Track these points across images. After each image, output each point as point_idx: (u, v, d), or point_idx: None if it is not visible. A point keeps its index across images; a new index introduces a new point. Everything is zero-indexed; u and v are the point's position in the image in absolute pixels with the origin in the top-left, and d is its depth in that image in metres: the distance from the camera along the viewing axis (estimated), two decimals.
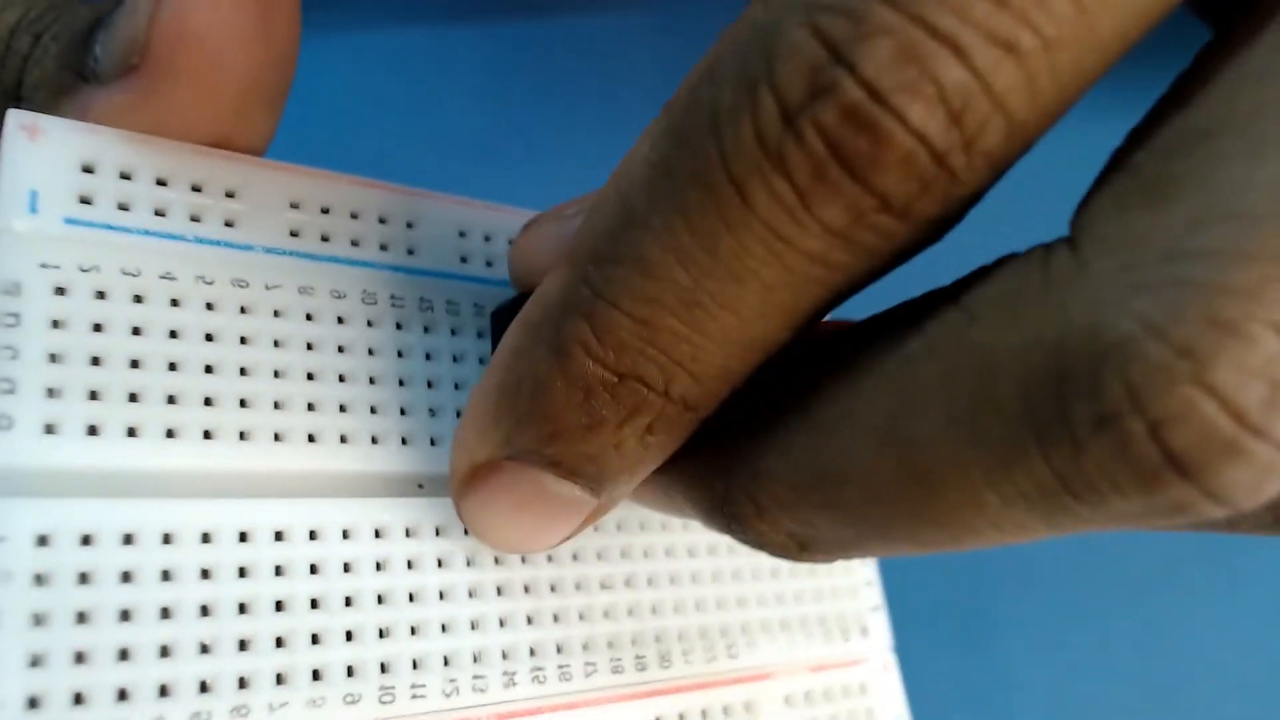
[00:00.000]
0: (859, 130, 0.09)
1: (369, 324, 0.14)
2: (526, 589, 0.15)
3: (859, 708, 0.17)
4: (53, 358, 0.12)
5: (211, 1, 0.12)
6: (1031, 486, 0.10)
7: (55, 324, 0.12)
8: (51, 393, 0.12)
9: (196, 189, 0.14)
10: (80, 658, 0.11)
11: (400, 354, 0.15)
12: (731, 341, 0.11)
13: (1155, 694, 0.34)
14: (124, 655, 0.12)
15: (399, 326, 0.15)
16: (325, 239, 0.14)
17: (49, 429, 0.12)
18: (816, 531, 0.12)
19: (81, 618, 0.12)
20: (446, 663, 0.14)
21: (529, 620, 0.15)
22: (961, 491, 0.10)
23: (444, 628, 0.14)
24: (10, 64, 0.14)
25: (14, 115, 0.12)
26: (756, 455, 0.12)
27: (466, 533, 0.14)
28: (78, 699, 0.11)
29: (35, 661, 0.11)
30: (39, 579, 0.11)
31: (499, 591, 0.14)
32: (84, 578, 0.12)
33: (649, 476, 0.14)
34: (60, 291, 0.12)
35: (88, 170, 0.13)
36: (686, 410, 0.12)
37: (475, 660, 0.14)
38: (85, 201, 0.13)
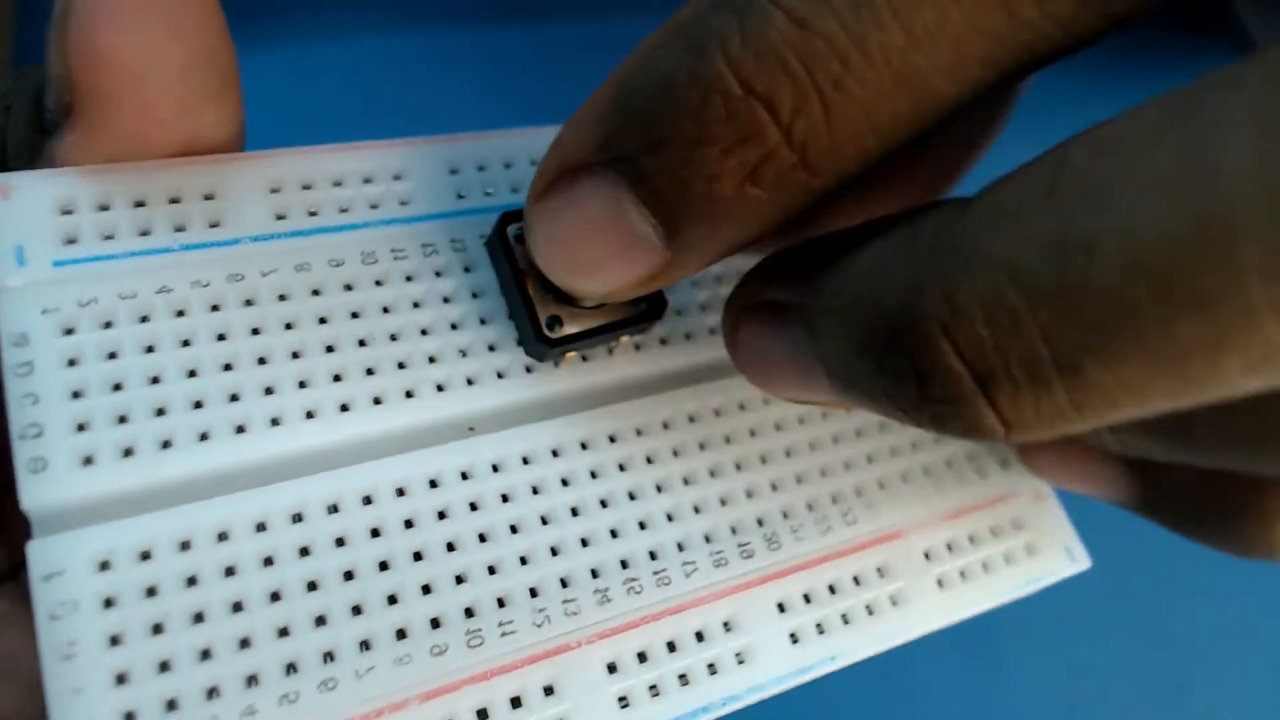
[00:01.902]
0: None
1: (377, 283, 0.14)
2: (604, 503, 0.14)
3: (1016, 547, 0.16)
4: (74, 394, 0.13)
5: (111, 16, 0.12)
6: None
7: (70, 362, 0.13)
8: (81, 426, 0.13)
9: (175, 200, 0.14)
10: (164, 666, 0.12)
11: (416, 304, 0.14)
12: (888, 69, 0.10)
13: (1157, 697, 0.32)
14: (206, 655, 0.12)
15: (409, 278, 0.15)
16: (313, 213, 0.14)
17: (86, 460, 0.12)
18: (1021, 343, 0.10)
19: (157, 629, 0.12)
20: (534, 594, 0.14)
21: (613, 534, 0.14)
22: (1260, 231, 0.08)
23: (523, 560, 0.14)
24: None
25: None
26: (960, 235, 0.10)
27: (525, 463, 0.14)
28: (170, 705, 0.12)
29: (121, 679, 0.12)
30: (108, 602, 0.12)
31: (574, 513, 0.14)
32: (150, 591, 0.12)
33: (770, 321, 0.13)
34: (68, 331, 0.13)
35: (66, 212, 0.13)
36: (801, 166, 0.11)
37: (564, 585, 0.14)
38: (71, 241, 0.13)
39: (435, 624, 0.13)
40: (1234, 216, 0.08)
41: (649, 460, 0.15)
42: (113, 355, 0.13)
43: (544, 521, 0.14)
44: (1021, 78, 0.10)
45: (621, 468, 0.15)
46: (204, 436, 0.13)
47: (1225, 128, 0.09)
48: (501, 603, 0.13)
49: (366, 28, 0.29)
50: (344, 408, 0.14)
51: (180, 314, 0.13)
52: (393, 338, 0.14)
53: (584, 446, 0.15)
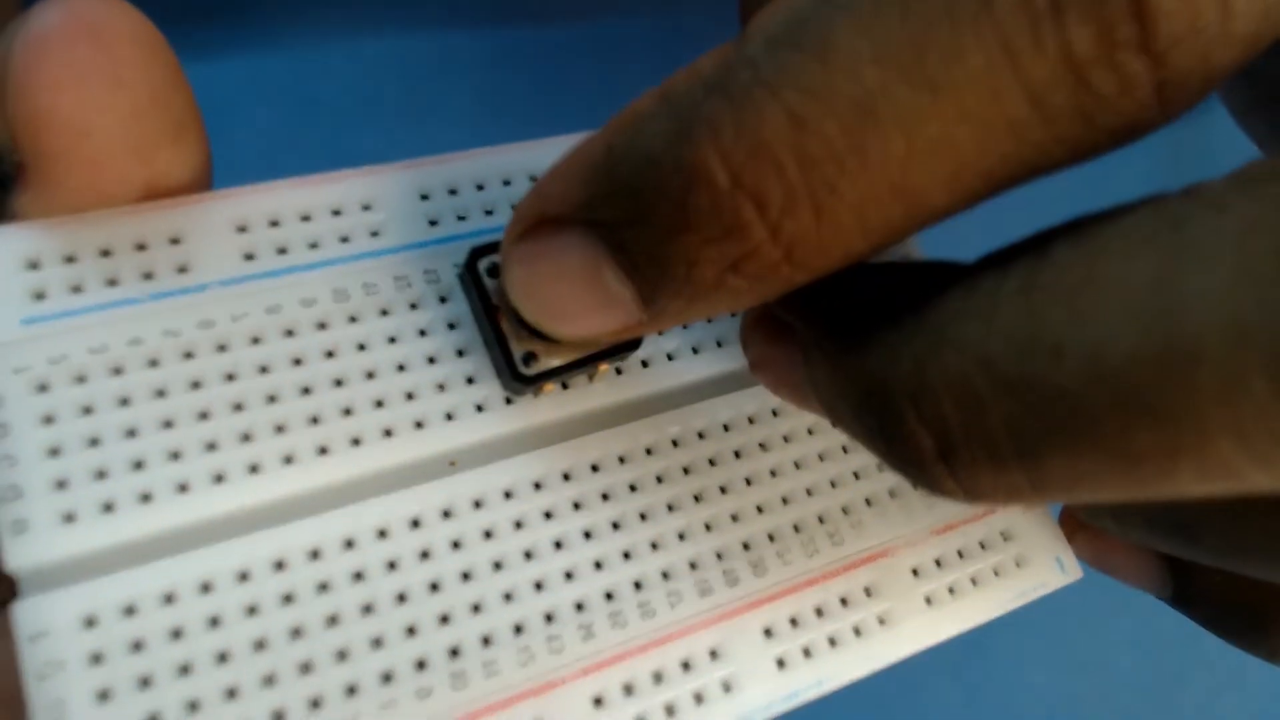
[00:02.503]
0: None
1: (351, 320, 0.14)
2: (587, 535, 0.14)
3: (1005, 560, 0.16)
4: (52, 452, 0.13)
5: (47, 77, 0.12)
6: None
7: (46, 420, 0.13)
8: (60, 485, 0.13)
9: (141, 247, 0.14)
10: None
11: (392, 340, 0.14)
12: (885, 177, 0.10)
13: (1156, 695, 0.32)
14: (194, 707, 0.12)
15: (384, 313, 0.15)
16: (282, 251, 0.14)
17: (67, 518, 0.13)
18: (983, 426, 0.10)
19: (144, 683, 0.12)
20: (519, 631, 0.14)
21: (597, 566, 0.14)
22: (1223, 365, 0.08)
23: (508, 597, 0.14)
24: None
25: None
26: (933, 322, 0.11)
27: (507, 497, 0.14)
28: None
29: None
30: (95, 658, 0.12)
31: (558, 546, 0.14)
32: (136, 645, 0.12)
33: (767, 337, 0.13)
34: (41, 389, 0.13)
35: (33, 266, 0.13)
36: (785, 263, 0.11)
37: (548, 621, 0.14)
38: (39, 296, 0.13)
39: (420, 666, 0.13)
40: (1198, 347, 0.09)
41: (633, 488, 0.15)
42: (88, 410, 0.13)
43: (527, 557, 0.14)
44: (1018, 185, 0.10)
45: (605, 497, 0.15)
46: (183, 488, 0.13)
47: (1201, 257, 0.09)
48: (486, 641, 0.14)
49: (366, 29, 0.28)
50: (322, 450, 0.14)
51: (153, 364, 0.13)
52: (369, 375, 0.14)
53: (566, 478, 0.15)
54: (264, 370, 0.14)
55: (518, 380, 0.14)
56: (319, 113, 0.26)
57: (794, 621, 0.15)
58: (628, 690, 0.14)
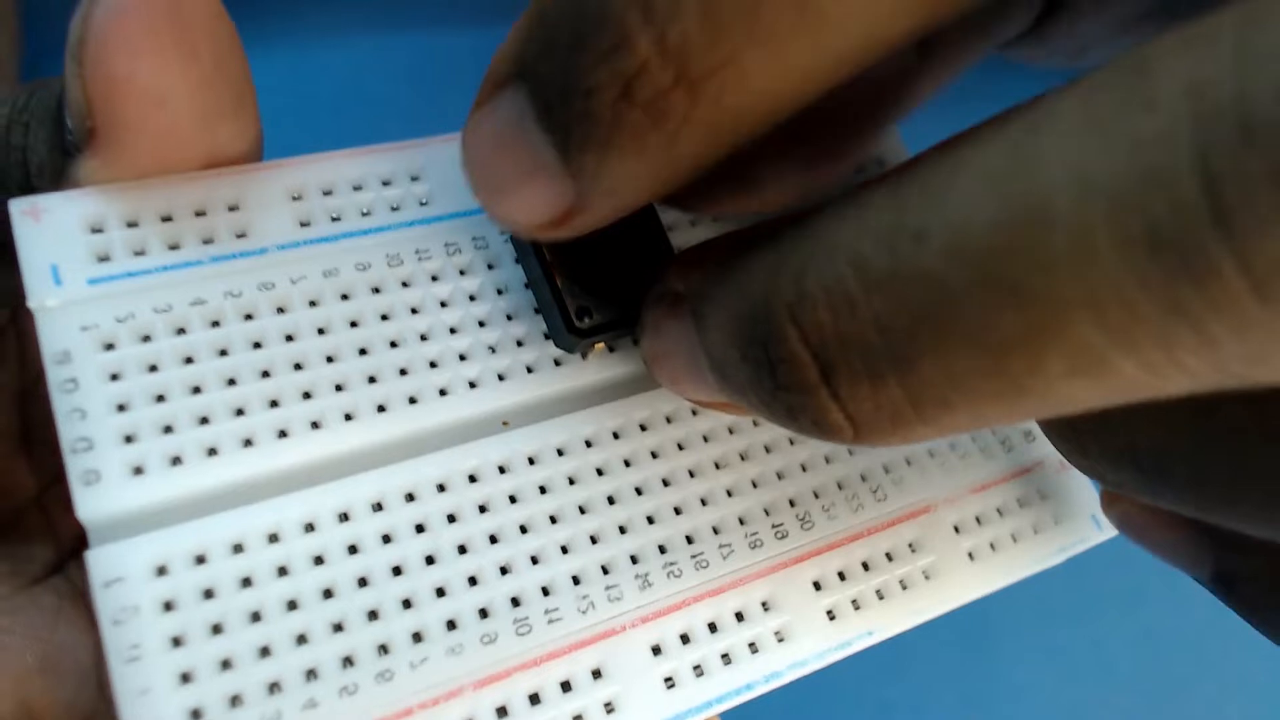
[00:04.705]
0: None
1: (404, 285, 0.16)
2: (639, 491, 0.15)
3: (1044, 517, 0.17)
4: (120, 407, 0.14)
5: (127, 45, 0.13)
6: (1169, 228, 0.08)
7: (113, 377, 0.14)
8: (128, 438, 0.14)
9: (200, 213, 0.15)
10: (226, 664, 0.13)
11: (443, 304, 0.16)
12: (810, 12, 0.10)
13: (1154, 696, 0.33)
14: (265, 652, 0.13)
15: (435, 278, 0.16)
16: (336, 219, 0.16)
17: (136, 470, 0.14)
18: (857, 329, 0.10)
19: (216, 629, 0.13)
20: (576, 581, 0.15)
21: (650, 520, 0.15)
22: (1072, 224, 0.09)
23: (564, 549, 0.15)
24: (14, 159, 0.16)
25: (14, 204, 0.14)
26: (814, 225, 0.11)
27: (560, 454, 0.15)
28: (234, 701, 0.13)
29: (186, 678, 0.13)
30: (167, 605, 0.13)
31: (611, 501, 0.15)
32: (208, 593, 0.13)
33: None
34: (108, 346, 0.14)
35: (97, 230, 0.14)
36: (679, 89, 0.10)
37: (605, 572, 0.15)
38: (103, 259, 0.14)
39: (483, 614, 0.14)
40: (1049, 204, 0.09)
41: (680, 447, 0.16)
42: (153, 368, 0.14)
43: (582, 511, 0.15)
44: (940, 27, 0.10)
45: (654, 455, 0.16)
46: (248, 442, 0.14)
47: (1054, 116, 0.09)
48: (546, 591, 0.15)
49: (365, 29, 0.30)
50: (381, 408, 0.15)
51: (215, 324, 0.15)
52: (423, 338, 0.15)
53: (616, 436, 0.16)
54: (322, 331, 0.15)
55: (573, 333, 0.15)
56: (319, 113, 0.27)
57: (842, 575, 0.16)
58: (685, 639, 0.15)
